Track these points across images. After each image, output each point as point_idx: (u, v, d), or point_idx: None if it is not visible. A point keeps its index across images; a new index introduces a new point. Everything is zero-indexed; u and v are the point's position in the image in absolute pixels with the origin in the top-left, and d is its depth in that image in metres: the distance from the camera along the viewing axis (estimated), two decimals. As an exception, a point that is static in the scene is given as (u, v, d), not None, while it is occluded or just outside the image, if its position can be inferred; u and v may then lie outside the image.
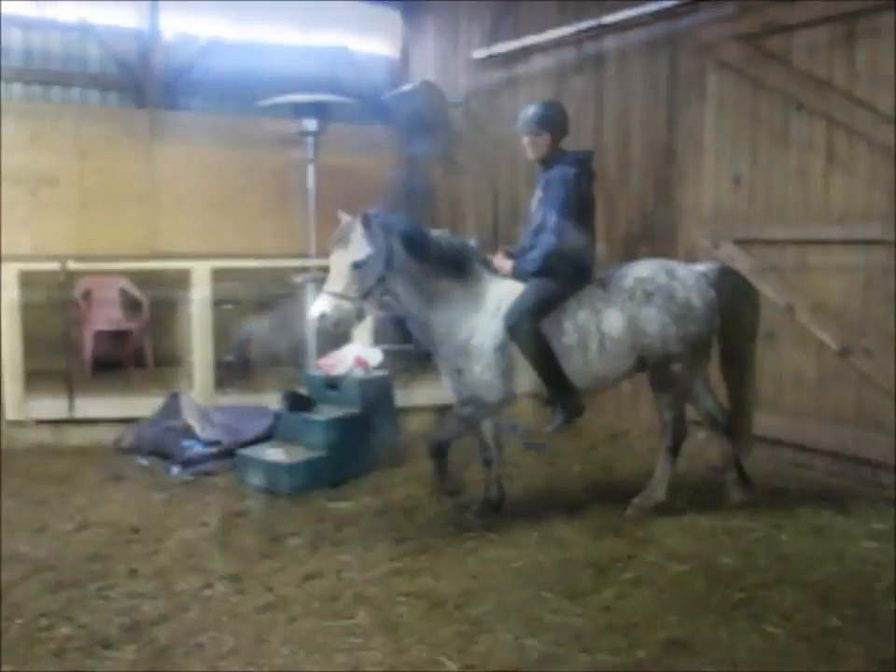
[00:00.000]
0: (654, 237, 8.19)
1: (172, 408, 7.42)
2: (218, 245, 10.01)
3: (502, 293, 5.46)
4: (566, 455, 7.16)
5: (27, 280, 8.18)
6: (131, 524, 5.67)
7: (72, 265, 8.34)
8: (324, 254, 8.21)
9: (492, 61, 9.97)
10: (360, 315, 5.27)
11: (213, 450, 6.97)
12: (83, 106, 10.08)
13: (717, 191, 7.42)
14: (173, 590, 4.67)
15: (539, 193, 5.66)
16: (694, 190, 7.70)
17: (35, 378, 8.24)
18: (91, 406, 8.26)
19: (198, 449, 7.01)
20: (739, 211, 7.25)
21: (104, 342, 9.61)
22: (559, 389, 5.48)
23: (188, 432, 7.16)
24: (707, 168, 7.49)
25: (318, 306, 5.13)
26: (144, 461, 7.04)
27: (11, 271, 8.02)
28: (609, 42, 8.56)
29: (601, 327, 5.46)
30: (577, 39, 8.84)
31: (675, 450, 5.79)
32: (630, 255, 8.28)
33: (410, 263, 5.29)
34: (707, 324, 5.62)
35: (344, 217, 5.30)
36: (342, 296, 5.12)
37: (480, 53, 10.09)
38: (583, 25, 8.62)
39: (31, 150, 9.56)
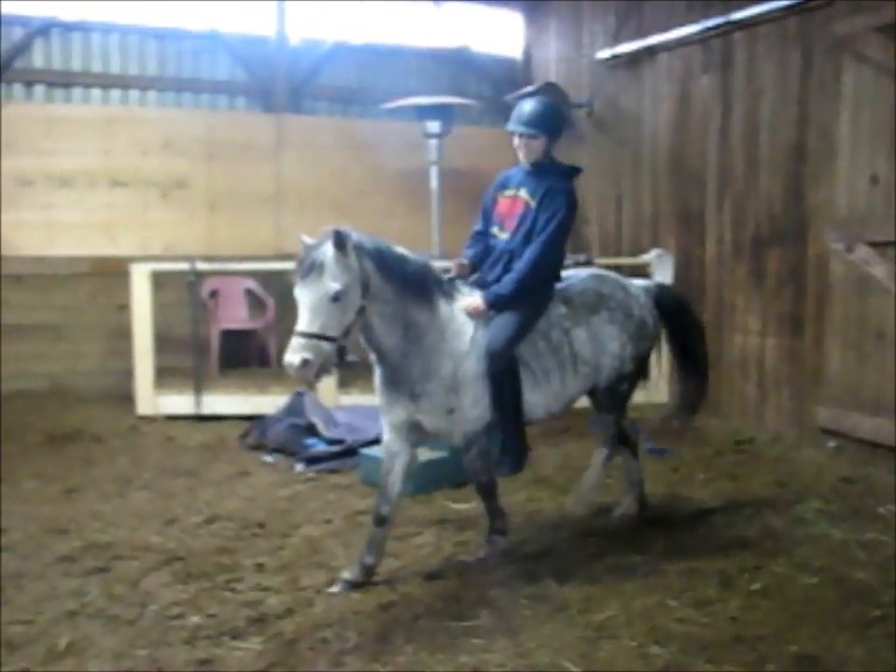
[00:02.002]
0: (784, 239, 7.96)
1: (296, 406, 7.56)
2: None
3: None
4: (690, 461, 7.01)
5: (158, 280, 8.46)
6: (256, 518, 5.79)
7: (201, 266, 8.59)
8: (447, 255, 8.36)
9: (616, 61, 9.89)
10: (341, 357, 4.42)
11: (336, 448, 7.08)
12: (212, 111, 10.37)
13: (851, 191, 7.16)
14: (298, 585, 4.75)
15: (525, 198, 5.05)
16: (827, 190, 7.46)
17: (164, 375, 8.53)
18: (217, 403, 8.51)
19: (321, 447, 7.14)
20: (876, 212, 6.98)
21: (230, 340, 9.84)
22: (515, 426, 4.96)
23: (311, 430, 7.30)
24: (841, 167, 7.25)
25: (296, 352, 4.22)
26: (268, 458, 7.18)
27: (143, 271, 8.31)
28: (738, 39, 8.37)
29: (574, 347, 5.13)
30: (704, 37, 8.68)
31: (610, 457, 5.68)
32: (758, 257, 8.08)
33: (384, 288, 4.51)
34: (654, 340, 5.60)
35: (306, 240, 4.52)
36: (320, 336, 4.26)
37: (604, 53, 10.02)
38: (711, 23, 8.48)
39: (163, 154, 9.89)
